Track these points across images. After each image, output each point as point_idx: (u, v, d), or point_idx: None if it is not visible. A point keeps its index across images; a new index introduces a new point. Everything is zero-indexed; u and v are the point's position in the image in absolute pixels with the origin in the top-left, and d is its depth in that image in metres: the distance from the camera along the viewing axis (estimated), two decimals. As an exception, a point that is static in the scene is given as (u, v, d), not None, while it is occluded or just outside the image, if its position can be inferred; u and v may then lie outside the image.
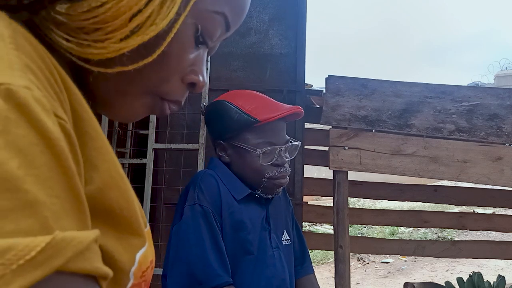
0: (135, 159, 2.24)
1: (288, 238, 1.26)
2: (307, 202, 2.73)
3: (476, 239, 3.98)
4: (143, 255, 0.39)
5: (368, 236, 4.55)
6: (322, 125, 2.12)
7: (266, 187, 1.17)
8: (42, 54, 0.32)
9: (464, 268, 4.56)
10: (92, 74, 0.39)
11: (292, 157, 1.21)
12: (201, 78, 0.45)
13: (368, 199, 5.60)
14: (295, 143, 1.21)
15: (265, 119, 1.13)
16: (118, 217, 0.36)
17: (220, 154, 1.20)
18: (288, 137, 1.21)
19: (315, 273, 1.36)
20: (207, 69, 2.05)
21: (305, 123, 2.40)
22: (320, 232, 5.53)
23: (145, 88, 0.43)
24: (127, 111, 0.44)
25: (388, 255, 4.97)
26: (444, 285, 1.78)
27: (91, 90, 0.42)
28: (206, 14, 0.42)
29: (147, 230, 0.41)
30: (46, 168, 0.27)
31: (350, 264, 2.03)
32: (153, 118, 2.06)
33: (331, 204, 2.05)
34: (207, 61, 0.49)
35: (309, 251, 1.39)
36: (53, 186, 0.27)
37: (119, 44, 0.36)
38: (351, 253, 2.11)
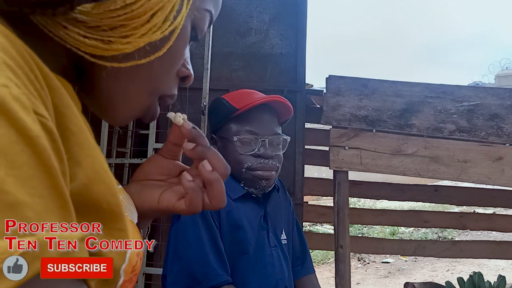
0: (135, 159, 2.24)
1: (285, 238, 1.26)
2: (307, 202, 2.73)
3: (476, 239, 3.98)
4: (133, 252, 0.38)
5: (369, 236, 4.55)
6: (322, 125, 2.12)
7: (247, 179, 1.16)
8: (21, 50, 0.31)
9: (464, 268, 4.56)
10: (105, 70, 0.39)
11: (281, 152, 1.20)
12: (191, 71, 0.49)
13: (368, 199, 5.59)
14: (283, 136, 1.20)
15: (243, 106, 1.14)
16: (107, 212, 0.36)
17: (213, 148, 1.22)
18: (278, 132, 1.19)
19: (315, 272, 1.36)
20: (207, 69, 2.05)
21: (306, 123, 2.40)
22: (320, 232, 5.53)
23: (153, 86, 0.44)
24: (127, 112, 0.45)
25: (388, 255, 4.97)
26: (445, 285, 1.78)
27: (97, 88, 0.42)
28: (200, 11, 0.45)
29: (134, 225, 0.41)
30: (27, 167, 0.26)
31: (351, 264, 2.03)
32: (153, 118, 2.06)
33: (332, 204, 2.05)
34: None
35: (310, 251, 1.39)
36: (35, 186, 0.26)
37: (141, 39, 0.38)
38: (351, 253, 2.11)
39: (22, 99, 0.27)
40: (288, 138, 1.22)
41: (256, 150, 1.15)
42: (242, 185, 1.17)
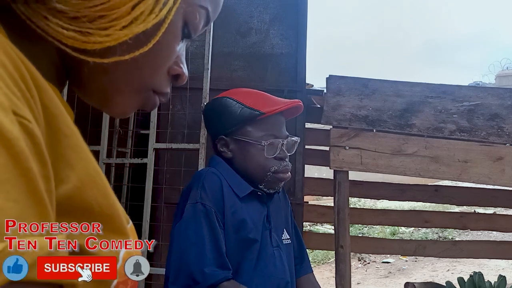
0: (136, 158, 2.24)
1: (288, 237, 1.26)
2: (307, 202, 2.73)
3: (477, 239, 3.98)
4: (127, 252, 0.37)
5: (369, 236, 4.54)
6: (323, 125, 2.12)
7: (270, 181, 1.17)
8: (5, 47, 0.30)
9: (465, 268, 4.56)
10: (87, 66, 0.38)
11: (292, 153, 1.22)
12: (184, 70, 0.46)
13: (369, 199, 5.59)
14: (295, 138, 1.22)
15: (269, 111, 1.14)
16: (98, 215, 0.34)
17: (222, 150, 1.19)
18: (287, 133, 1.22)
19: (316, 272, 1.36)
20: (207, 69, 2.05)
21: (306, 123, 2.40)
22: (321, 232, 5.53)
23: (140, 83, 0.43)
24: (123, 107, 0.44)
25: (389, 255, 4.97)
26: (445, 285, 1.78)
27: (86, 84, 0.41)
28: (193, 8, 0.43)
29: (130, 226, 0.40)
30: (2, 170, 0.25)
31: (351, 264, 2.03)
32: (154, 118, 2.06)
33: (332, 204, 2.05)
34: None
35: (310, 251, 1.39)
36: (10, 190, 0.25)
37: (122, 31, 0.36)
38: (351, 253, 2.11)
39: (0, 99, 0.26)
40: (298, 139, 1.24)
41: (278, 153, 1.16)
42: (262, 185, 1.17)
